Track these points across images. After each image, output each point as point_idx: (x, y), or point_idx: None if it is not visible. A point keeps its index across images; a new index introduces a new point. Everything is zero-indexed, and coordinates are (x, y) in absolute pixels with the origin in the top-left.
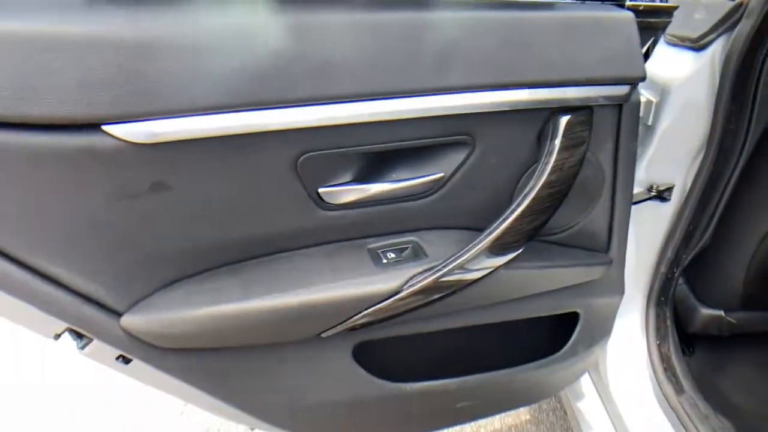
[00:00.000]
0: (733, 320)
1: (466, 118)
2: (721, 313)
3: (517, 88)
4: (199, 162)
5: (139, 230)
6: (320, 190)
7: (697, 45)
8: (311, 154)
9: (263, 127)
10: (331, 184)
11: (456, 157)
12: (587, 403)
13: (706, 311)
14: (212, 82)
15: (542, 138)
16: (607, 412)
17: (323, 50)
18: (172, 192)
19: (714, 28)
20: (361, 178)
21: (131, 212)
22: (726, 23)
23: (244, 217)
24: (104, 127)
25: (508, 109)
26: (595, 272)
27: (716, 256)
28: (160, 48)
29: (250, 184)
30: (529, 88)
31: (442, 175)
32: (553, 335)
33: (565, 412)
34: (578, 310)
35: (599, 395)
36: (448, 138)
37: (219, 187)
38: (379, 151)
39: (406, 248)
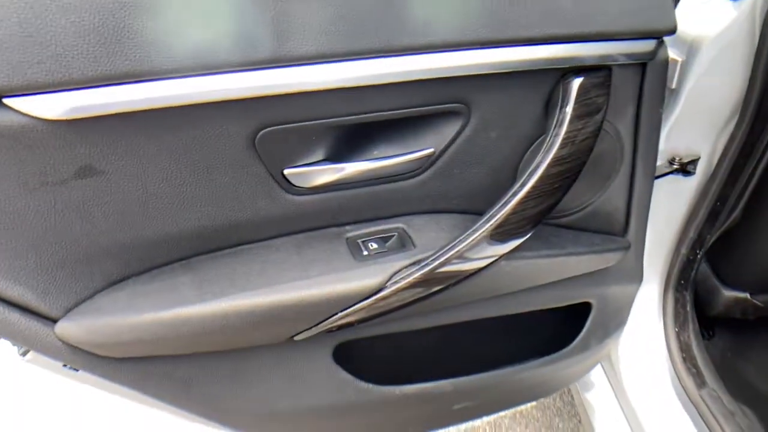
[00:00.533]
0: (759, 303)
1: (460, 81)
2: (747, 295)
3: (520, 45)
4: (136, 140)
5: (69, 223)
6: (286, 171)
7: None
8: (272, 128)
9: (211, 96)
10: (300, 164)
11: (448, 129)
12: (597, 396)
13: (730, 293)
14: (145, 42)
15: (551, 105)
16: (620, 406)
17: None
18: (106, 177)
19: None
20: (336, 157)
21: (57, 202)
22: None
23: (197, 205)
24: (6, 101)
25: (509, 70)
26: (610, 258)
27: (745, 235)
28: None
29: (200, 165)
30: (534, 44)
31: (432, 150)
32: (561, 328)
33: (573, 397)
34: (591, 301)
35: (611, 387)
36: (438, 107)
37: (162, 169)
38: (355, 124)
39: (391, 237)
